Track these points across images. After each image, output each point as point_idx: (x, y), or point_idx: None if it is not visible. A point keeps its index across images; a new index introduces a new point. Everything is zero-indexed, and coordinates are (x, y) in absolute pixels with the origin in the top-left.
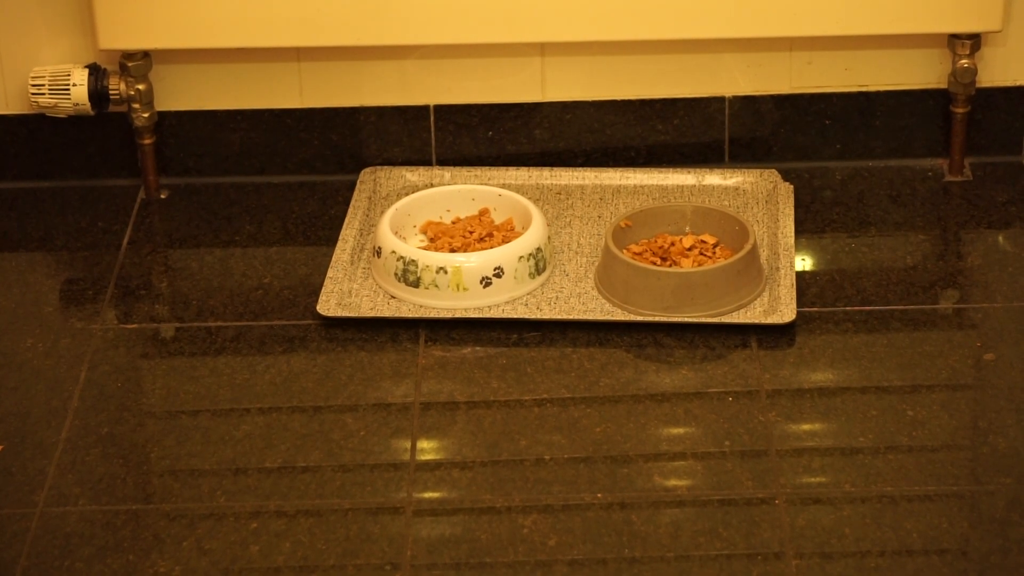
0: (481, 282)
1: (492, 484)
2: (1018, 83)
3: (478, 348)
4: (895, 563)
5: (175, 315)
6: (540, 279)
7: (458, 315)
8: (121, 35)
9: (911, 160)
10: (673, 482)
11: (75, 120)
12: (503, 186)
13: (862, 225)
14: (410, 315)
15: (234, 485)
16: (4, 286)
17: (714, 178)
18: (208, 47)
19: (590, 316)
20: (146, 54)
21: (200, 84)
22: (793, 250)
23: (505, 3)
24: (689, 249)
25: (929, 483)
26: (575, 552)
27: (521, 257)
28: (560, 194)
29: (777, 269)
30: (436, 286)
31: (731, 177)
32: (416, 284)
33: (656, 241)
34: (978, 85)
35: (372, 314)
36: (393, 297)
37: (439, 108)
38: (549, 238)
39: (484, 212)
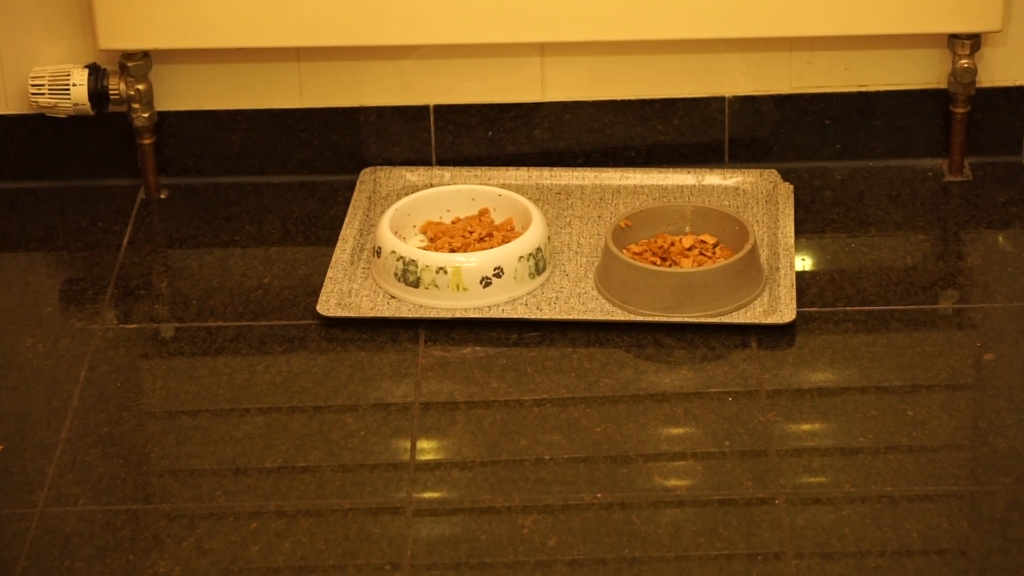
0: (481, 282)
1: (492, 484)
2: (1018, 83)
3: (478, 348)
4: (895, 563)
5: (175, 315)
6: (540, 279)
7: (458, 315)
8: (121, 35)
9: (911, 160)
10: (673, 482)
11: (75, 120)
12: (503, 186)
13: (862, 225)
14: (410, 315)
15: (234, 485)
16: (4, 286)
17: (714, 178)
18: (208, 47)
19: (590, 316)
20: (146, 54)
21: (200, 84)
22: (793, 250)
23: (505, 3)
24: (689, 249)
25: (929, 483)
26: (575, 552)
27: (521, 257)
28: (560, 194)
29: (777, 269)
30: (436, 286)
31: (731, 177)
32: (416, 284)
33: (656, 241)
34: (978, 85)
35: (372, 314)
36: (393, 297)
37: (439, 108)
38: (549, 238)
39: (484, 212)
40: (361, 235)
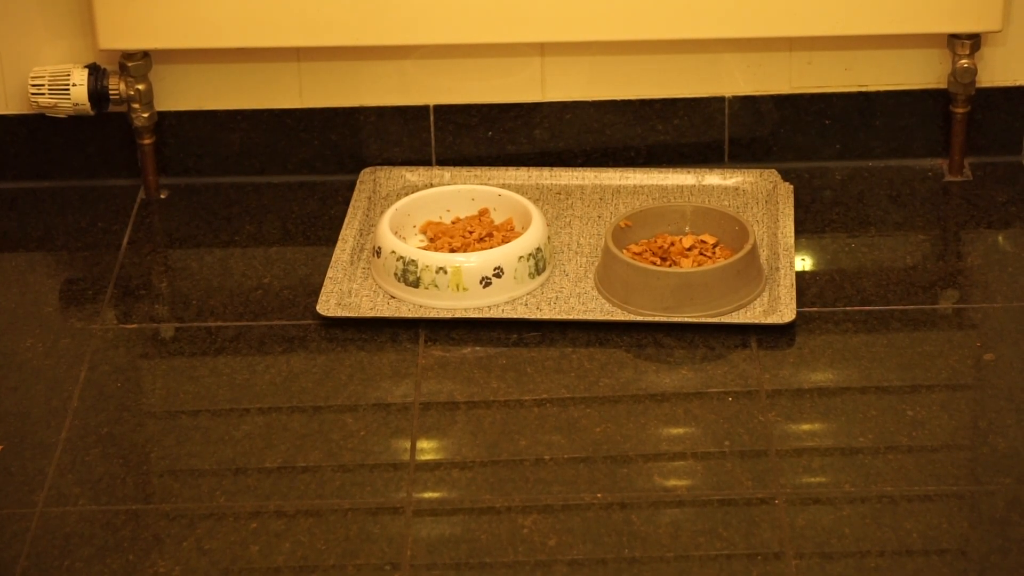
0: (481, 282)
1: (492, 484)
2: (1018, 83)
3: (478, 348)
4: (895, 563)
5: (175, 315)
6: (540, 279)
7: (458, 315)
8: (121, 35)
9: (911, 160)
10: (673, 482)
11: (75, 120)
12: (503, 186)
13: (862, 225)
14: (410, 315)
15: (234, 485)
16: (4, 286)
17: (714, 178)
18: (208, 47)
19: (590, 316)
20: (146, 54)
21: (200, 84)
22: (793, 250)
23: (505, 3)
24: (689, 249)
25: (929, 483)
26: (575, 552)
27: (521, 257)
28: (560, 194)
29: (777, 269)
30: (436, 286)
31: (731, 177)
32: (416, 284)
33: (656, 241)
34: (978, 85)
35: (372, 314)
36: (393, 297)
37: (439, 108)
38: (549, 238)
39: (484, 212)
40: (361, 235)
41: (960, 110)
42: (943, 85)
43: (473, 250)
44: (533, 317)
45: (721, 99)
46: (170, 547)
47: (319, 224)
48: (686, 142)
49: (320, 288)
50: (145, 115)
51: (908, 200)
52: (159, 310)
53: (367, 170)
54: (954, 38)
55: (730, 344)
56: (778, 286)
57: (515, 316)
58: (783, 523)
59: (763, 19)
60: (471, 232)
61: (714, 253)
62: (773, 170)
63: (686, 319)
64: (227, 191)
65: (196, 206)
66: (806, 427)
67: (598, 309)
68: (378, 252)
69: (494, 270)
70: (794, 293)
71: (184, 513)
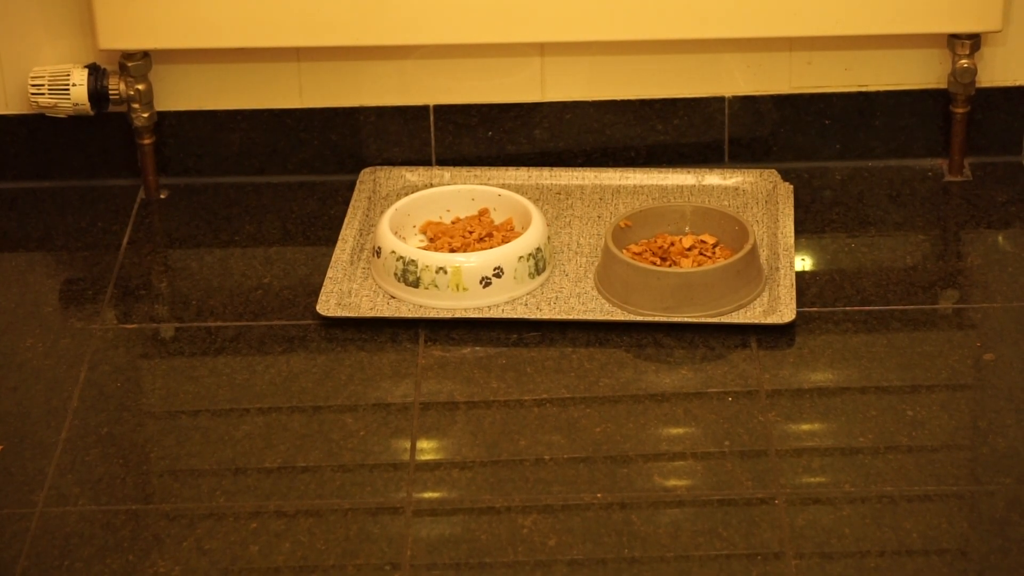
0: (481, 282)
1: (492, 484)
2: (1018, 83)
3: (478, 348)
4: (895, 563)
5: (175, 315)
6: (540, 279)
7: (458, 315)
8: (121, 35)
9: (911, 160)
10: (673, 482)
11: (75, 120)
12: (503, 186)
13: (862, 225)
14: (410, 315)
15: (234, 485)
16: (4, 286)
17: (714, 178)
18: (208, 47)
19: (590, 316)
20: (146, 54)
21: (200, 84)
22: (793, 250)
23: (505, 3)
24: (689, 249)
25: (929, 483)
26: (575, 552)
27: (521, 257)
28: (560, 194)
29: (777, 269)
30: (436, 286)
31: (731, 177)
32: (416, 284)
33: (656, 241)
34: (978, 85)
35: (372, 314)
36: (393, 297)
37: (439, 108)
38: (549, 238)
39: (484, 212)
40: (361, 235)
41: (960, 110)
42: (943, 85)
43: (473, 250)
44: (533, 317)
45: (721, 99)
46: (170, 547)
47: (319, 224)
48: (686, 142)
49: (320, 288)
50: (145, 115)
51: (908, 200)
52: (159, 310)
53: (367, 170)
54: (954, 38)
55: (730, 344)
56: (778, 286)
57: (515, 316)
58: (783, 523)
59: (763, 19)
60: (471, 232)
61: (714, 253)
62: (773, 170)
63: (686, 319)
64: (227, 191)
65: (196, 206)
66: (806, 427)
67: (598, 309)
68: (378, 252)
69: (494, 270)
70: (794, 293)
71: (184, 513)
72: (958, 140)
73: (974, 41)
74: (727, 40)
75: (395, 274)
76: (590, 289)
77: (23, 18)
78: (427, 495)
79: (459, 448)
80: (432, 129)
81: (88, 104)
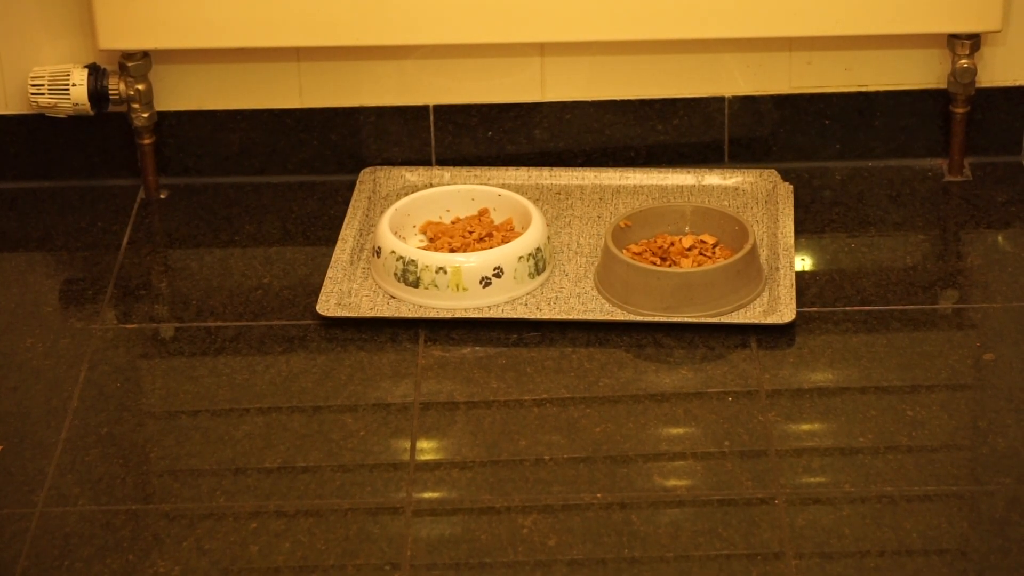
0: (481, 282)
1: (492, 484)
2: (1018, 83)
3: (478, 348)
4: (895, 563)
5: (175, 315)
6: (540, 279)
7: (458, 315)
8: (121, 35)
9: (911, 160)
10: (673, 482)
11: (75, 120)
12: (503, 186)
13: (862, 225)
14: (410, 315)
15: (234, 485)
16: (4, 286)
17: (714, 178)
18: (208, 47)
19: (590, 316)
20: (146, 54)
21: (200, 84)
22: (793, 250)
23: (505, 3)
24: (689, 249)
25: (929, 483)
26: (575, 552)
27: (521, 257)
28: (560, 194)
29: (777, 269)
30: (436, 286)
31: (731, 177)
32: (416, 284)
33: (656, 241)
34: (978, 85)
35: (372, 314)
36: (393, 297)
37: (439, 108)
38: (549, 238)
39: (484, 212)
40: (361, 235)
41: (960, 110)
42: (943, 85)
43: (473, 250)
44: (533, 317)
45: (721, 99)
46: (170, 547)
47: (319, 224)
48: (686, 142)
49: (320, 288)
50: (145, 115)
51: (908, 200)
52: (159, 310)
53: (367, 170)
54: (954, 38)
55: (730, 344)
56: (778, 286)
57: (515, 316)
58: (783, 523)
59: (763, 19)
60: (471, 232)
61: (714, 253)
62: (773, 170)
63: (686, 319)
64: (227, 191)
65: (196, 206)
66: (806, 427)
67: (598, 309)
68: (378, 252)
69: (494, 270)
70: (794, 293)
71: (184, 513)
72: (958, 140)
73: (974, 41)
74: (727, 40)
75: (395, 274)
76: (590, 289)
77: (23, 18)
78: (427, 495)
79: (459, 448)
80: (432, 129)
81: (88, 104)
